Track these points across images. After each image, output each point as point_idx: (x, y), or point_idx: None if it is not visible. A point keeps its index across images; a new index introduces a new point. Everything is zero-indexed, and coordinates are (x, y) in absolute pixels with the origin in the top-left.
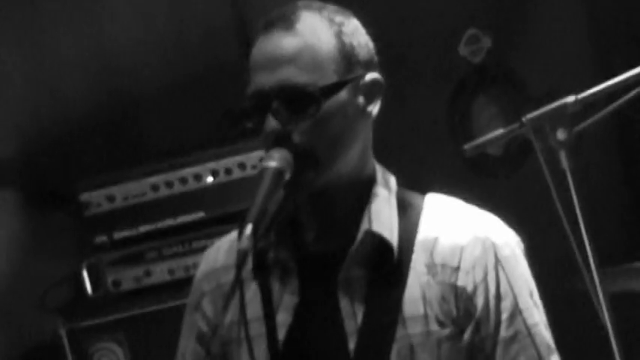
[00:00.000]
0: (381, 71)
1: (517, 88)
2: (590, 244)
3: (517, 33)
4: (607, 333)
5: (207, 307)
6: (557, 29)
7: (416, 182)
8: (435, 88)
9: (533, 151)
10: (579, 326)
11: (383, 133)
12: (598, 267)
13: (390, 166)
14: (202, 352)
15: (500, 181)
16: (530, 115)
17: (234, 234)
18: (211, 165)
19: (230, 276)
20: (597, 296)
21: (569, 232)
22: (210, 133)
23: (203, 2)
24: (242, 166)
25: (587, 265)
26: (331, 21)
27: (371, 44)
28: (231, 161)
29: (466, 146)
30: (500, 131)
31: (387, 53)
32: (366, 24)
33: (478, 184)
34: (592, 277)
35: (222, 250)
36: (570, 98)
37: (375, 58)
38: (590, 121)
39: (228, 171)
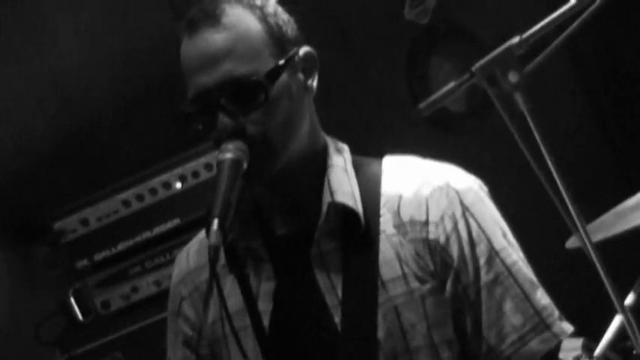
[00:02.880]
0: (334, 48)
1: (469, 41)
2: (563, 185)
3: None
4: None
5: (188, 310)
6: None
7: (383, 151)
8: (389, 55)
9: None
10: (562, 278)
11: (346, 108)
12: (579, 214)
13: (357, 139)
14: (192, 356)
15: (469, 138)
16: (479, 63)
17: (200, 235)
18: (178, 171)
19: (204, 276)
20: (586, 246)
21: (541, 176)
22: (171, 140)
23: (146, 16)
24: (208, 166)
25: (566, 209)
26: (253, 7)
27: (292, 19)
28: (196, 164)
29: (421, 105)
30: (451, 84)
31: (335, 29)
32: (310, 4)
33: (446, 144)
34: (575, 225)
35: (191, 253)
36: (515, 39)
37: (300, 32)
38: (538, 59)
39: (195, 174)
